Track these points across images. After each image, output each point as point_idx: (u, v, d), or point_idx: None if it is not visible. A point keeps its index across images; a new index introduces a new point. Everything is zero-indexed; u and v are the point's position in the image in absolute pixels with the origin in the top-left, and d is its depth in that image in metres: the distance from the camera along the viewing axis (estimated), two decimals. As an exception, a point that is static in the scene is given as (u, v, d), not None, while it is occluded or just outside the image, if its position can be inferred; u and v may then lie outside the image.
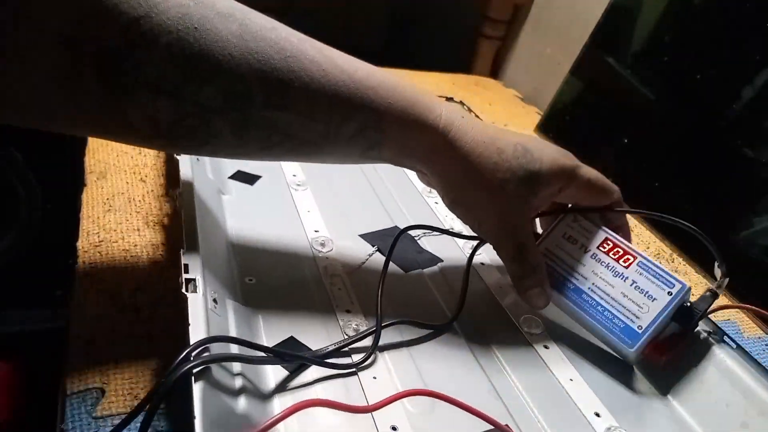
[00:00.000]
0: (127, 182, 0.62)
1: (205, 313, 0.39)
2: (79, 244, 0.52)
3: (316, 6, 1.62)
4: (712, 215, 0.74)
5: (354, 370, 0.44)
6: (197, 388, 0.33)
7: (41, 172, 0.62)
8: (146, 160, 0.66)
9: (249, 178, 0.66)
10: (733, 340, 0.50)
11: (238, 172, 0.66)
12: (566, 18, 1.16)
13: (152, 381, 0.42)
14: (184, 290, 0.40)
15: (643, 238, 0.75)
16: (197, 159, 0.60)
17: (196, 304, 0.39)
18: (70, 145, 0.64)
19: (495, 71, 1.34)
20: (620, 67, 0.93)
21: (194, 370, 0.33)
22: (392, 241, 0.58)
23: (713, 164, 0.77)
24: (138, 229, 0.56)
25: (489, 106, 1.08)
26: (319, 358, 0.43)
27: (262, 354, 0.40)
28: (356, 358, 0.45)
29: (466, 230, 0.65)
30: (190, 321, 0.38)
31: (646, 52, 0.91)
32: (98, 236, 0.54)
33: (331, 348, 0.44)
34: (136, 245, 0.54)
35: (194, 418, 0.31)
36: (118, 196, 0.60)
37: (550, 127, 1.00)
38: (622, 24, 0.95)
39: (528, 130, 1.01)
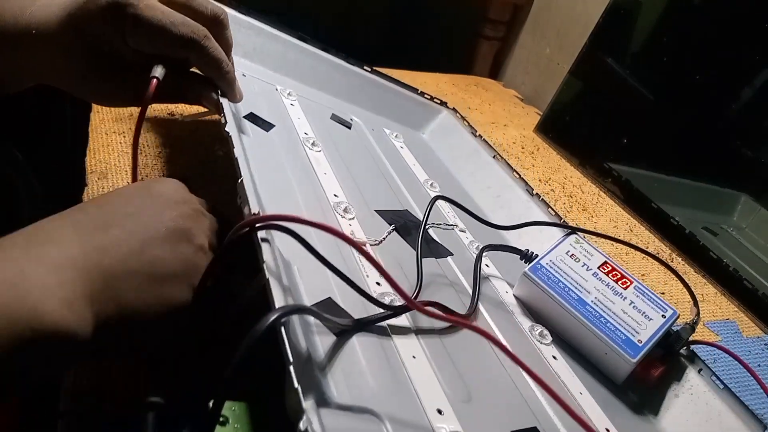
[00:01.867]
0: (128, 182, 0.60)
1: (271, 256, 0.39)
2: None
3: (316, 6, 1.61)
4: (711, 215, 0.77)
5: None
6: (286, 337, 0.33)
7: (42, 172, 0.60)
8: (147, 160, 0.65)
9: (264, 124, 0.63)
10: (720, 380, 0.53)
11: (252, 114, 0.63)
12: (566, 19, 1.18)
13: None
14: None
15: (642, 238, 0.77)
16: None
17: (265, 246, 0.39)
18: (71, 145, 0.63)
19: (495, 72, 1.36)
20: (620, 67, 0.95)
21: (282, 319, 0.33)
22: (407, 224, 0.60)
23: (712, 164, 0.79)
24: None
25: (489, 106, 1.09)
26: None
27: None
28: (394, 337, 0.44)
29: (468, 235, 0.67)
30: (264, 258, 0.38)
31: (645, 52, 0.93)
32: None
33: (377, 314, 0.44)
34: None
35: (290, 364, 0.31)
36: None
37: (550, 127, 1.02)
38: (622, 25, 0.97)
39: (528, 131, 1.03)
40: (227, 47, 0.53)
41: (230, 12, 0.73)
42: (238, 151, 0.46)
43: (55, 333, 0.31)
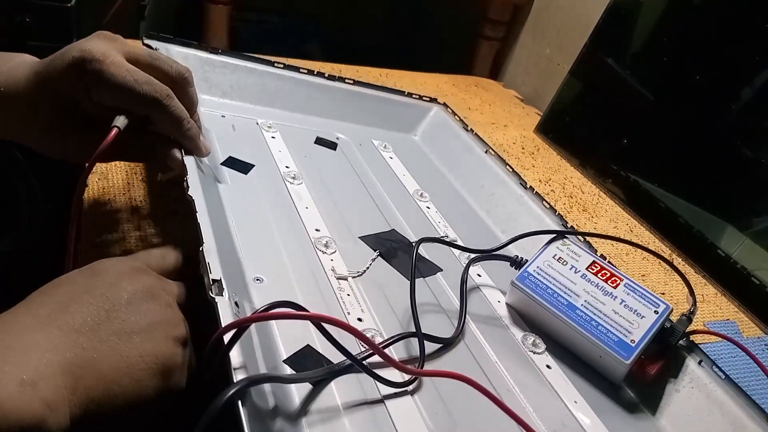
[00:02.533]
0: (129, 183, 0.62)
1: (233, 318, 0.38)
2: (81, 244, 0.52)
3: (316, 7, 1.62)
4: (711, 215, 0.76)
5: (406, 389, 0.44)
6: (244, 412, 0.33)
7: (42, 172, 0.62)
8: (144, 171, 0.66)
9: (242, 167, 0.64)
10: (722, 370, 0.52)
11: (230, 158, 0.64)
12: (566, 19, 1.17)
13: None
14: (211, 293, 0.39)
15: (643, 238, 0.76)
16: None
17: (225, 309, 0.38)
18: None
19: (495, 72, 1.35)
20: (620, 67, 0.94)
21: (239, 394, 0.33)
22: (394, 247, 0.60)
23: (713, 164, 0.78)
24: (139, 230, 0.56)
25: (489, 107, 1.09)
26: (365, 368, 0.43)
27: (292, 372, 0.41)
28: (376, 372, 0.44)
29: (459, 244, 0.67)
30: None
31: (645, 52, 0.92)
32: (99, 236, 0.54)
33: (350, 360, 0.43)
34: (137, 245, 0.54)
35: None
36: (120, 196, 0.60)
37: (550, 127, 1.01)
38: (622, 25, 0.95)
39: (528, 131, 1.02)
40: (191, 104, 0.54)
41: (203, 55, 0.74)
42: (201, 216, 0.46)
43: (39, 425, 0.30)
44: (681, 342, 0.55)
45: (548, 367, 0.53)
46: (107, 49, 0.48)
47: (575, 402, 0.50)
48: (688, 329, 0.55)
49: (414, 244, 0.59)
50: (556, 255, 0.59)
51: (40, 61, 0.50)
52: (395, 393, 0.44)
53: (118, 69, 0.47)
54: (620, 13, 0.96)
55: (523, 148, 0.95)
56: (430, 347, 0.50)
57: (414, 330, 0.49)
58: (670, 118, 0.85)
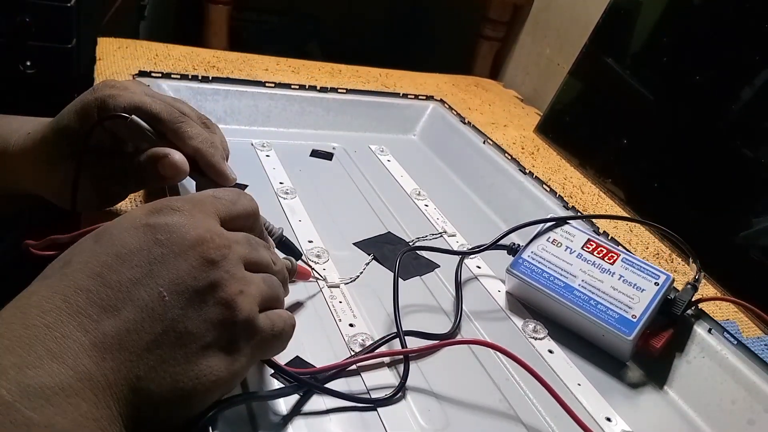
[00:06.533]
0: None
1: None
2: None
3: (316, 7, 1.63)
4: (711, 215, 0.74)
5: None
6: None
7: None
8: None
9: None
10: (733, 336, 0.50)
11: None
12: (566, 19, 1.16)
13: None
14: None
15: (642, 238, 0.75)
16: None
17: None
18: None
19: (495, 72, 1.34)
20: (619, 67, 0.92)
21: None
22: (388, 248, 0.60)
23: (712, 165, 0.77)
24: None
25: (489, 107, 1.08)
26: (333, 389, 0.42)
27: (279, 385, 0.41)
28: (365, 375, 0.45)
29: (458, 238, 0.66)
30: None
31: (645, 53, 0.91)
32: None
33: (335, 370, 0.43)
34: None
35: None
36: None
37: (550, 127, 1.00)
38: (622, 25, 0.94)
39: (528, 131, 1.01)
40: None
41: (194, 85, 0.76)
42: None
43: None
44: (689, 311, 0.53)
45: (550, 352, 0.52)
46: (124, 83, 0.47)
47: (579, 384, 0.49)
48: (694, 298, 0.53)
49: (409, 243, 0.61)
50: (550, 237, 0.58)
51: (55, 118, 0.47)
52: (386, 395, 0.43)
53: (136, 92, 0.46)
54: (620, 13, 0.95)
55: (522, 149, 0.94)
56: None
57: (410, 330, 0.49)
58: (670, 118, 0.84)
